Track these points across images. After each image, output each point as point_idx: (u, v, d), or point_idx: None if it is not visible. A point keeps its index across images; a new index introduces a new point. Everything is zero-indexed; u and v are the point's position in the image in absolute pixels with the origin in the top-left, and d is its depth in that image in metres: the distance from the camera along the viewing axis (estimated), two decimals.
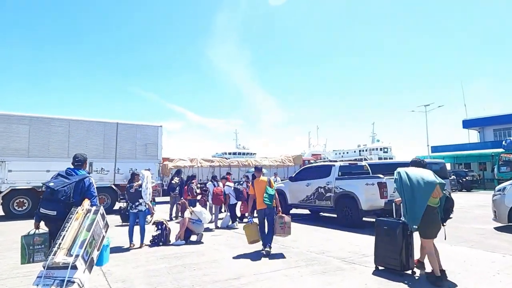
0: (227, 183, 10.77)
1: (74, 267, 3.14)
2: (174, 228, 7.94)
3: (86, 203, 3.77)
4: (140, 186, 6.98)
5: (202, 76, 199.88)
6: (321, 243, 7.21)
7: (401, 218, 4.78)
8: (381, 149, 77.23)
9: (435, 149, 35.94)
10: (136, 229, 7.05)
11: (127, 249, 6.83)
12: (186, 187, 11.63)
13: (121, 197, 13.86)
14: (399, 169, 4.64)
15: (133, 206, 6.95)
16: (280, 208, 6.71)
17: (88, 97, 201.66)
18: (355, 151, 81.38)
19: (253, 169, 22.00)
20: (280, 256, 6.09)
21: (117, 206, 14.35)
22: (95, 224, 3.56)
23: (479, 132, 38.28)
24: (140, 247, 6.95)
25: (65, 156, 12.61)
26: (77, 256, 3.21)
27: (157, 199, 15.42)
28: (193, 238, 7.64)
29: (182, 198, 11.84)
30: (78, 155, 4.17)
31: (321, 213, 11.88)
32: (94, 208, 3.73)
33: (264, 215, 6.39)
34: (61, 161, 12.44)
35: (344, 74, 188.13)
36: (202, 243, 7.41)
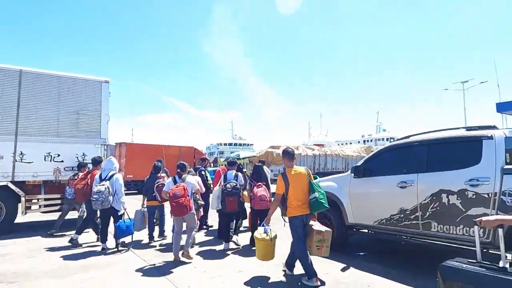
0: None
1: None
2: None
3: None
4: None
5: (200, 69, 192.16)
6: None
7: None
8: (387, 139, 71.97)
9: None
10: None
11: None
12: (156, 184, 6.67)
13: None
14: None
15: None
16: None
17: None
18: (359, 142, 76.00)
19: (235, 154, 16.52)
20: None
21: (40, 216, 8.33)
22: None
23: None
24: None
25: None
26: None
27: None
28: None
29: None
30: None
31: (407, 238, 5.85)
32: None
33: (303, 225, 4.30)
34: None
35: (348, 60, 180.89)
36: None
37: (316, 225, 4.50)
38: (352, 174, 5.36)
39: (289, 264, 4.53)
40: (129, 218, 6.04)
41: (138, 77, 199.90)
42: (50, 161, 7.82)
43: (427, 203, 4.34)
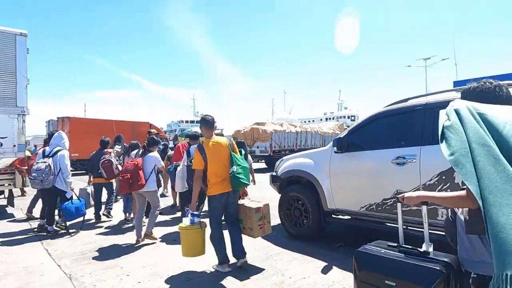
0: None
1: None
2: None
3: None
4: None
5: (160, 45, 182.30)
6: None
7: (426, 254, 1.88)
8: (348, 117, 73.29)
9: None
10: None
11: None
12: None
13: None
14: (457, 105, 1.30)
15: None
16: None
17: (37, 65, 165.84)
18: (321, 119, 76.79)
19: (187, 130, 15.40)
20: None
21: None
22: None
23: None
24: None
25: None
26: None
27: None
28: None
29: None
30: None
31: (404, 228, 4.95)
32: None
33: (223, 205, 3.67)
34: None
35: (311, 38, 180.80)
36: None
37: (249, 203, 3.95)
38: (334, 148, 4.25)
39: (239, 254, 3.67)
40: (79, 199, 5.54)
41: (92, 50, 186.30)
42: None
43: (434, 184, 3.34)
